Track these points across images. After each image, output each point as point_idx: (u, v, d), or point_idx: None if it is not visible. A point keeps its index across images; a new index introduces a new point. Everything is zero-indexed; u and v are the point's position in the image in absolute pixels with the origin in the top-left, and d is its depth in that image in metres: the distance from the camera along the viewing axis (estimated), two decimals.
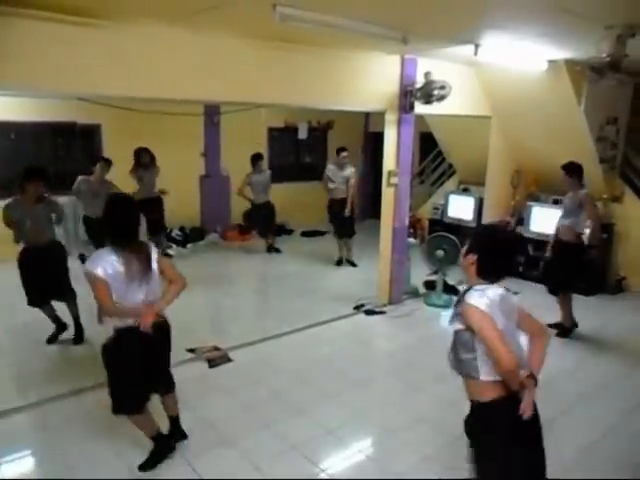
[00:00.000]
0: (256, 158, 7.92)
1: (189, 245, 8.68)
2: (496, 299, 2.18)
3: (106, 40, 3.72)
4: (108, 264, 2.76)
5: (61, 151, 8.12)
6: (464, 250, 2.34)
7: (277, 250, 8.49)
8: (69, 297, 4.84)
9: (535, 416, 2.21)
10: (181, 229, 8.81)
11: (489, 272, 2.27)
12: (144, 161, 7.30)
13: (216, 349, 4.76)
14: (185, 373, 4.32)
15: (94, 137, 8.06)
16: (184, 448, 3.33)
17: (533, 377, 2.18)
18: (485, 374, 2.16)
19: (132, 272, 2.81)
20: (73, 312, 4.88)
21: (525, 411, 2.12)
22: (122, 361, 2.95)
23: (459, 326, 2.21)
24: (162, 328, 3.03)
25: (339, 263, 7.75)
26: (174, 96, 4.25)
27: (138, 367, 2.97)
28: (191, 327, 5.27)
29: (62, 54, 3.58)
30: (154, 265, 2.92)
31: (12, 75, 3.45)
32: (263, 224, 8.22)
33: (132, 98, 4.71)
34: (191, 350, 4.67)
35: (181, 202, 8.72)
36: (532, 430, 2.23)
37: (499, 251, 2.29)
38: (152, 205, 7.40)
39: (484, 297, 2.16)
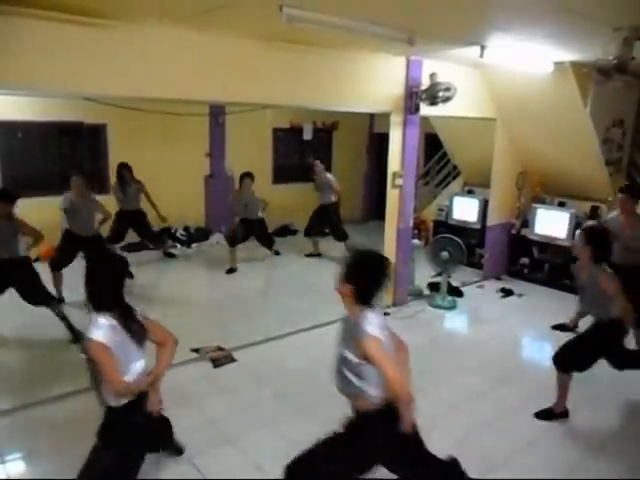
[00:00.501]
0: (244, 177, 7.43)
1: (194, 245, 8.71)
2: (383, 328, 2.33)
3: (112, 40, 3.74)
4: (108, 331, 2.41)
5: (67, 150, 8.15)
6: (338, 281, 2.38)
7: (277, 252, 8.26)
8: (49, 303, 4.84)
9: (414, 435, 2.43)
10: (186, 229, 8.83)
11: (366, 298, 2.34)
12: (125, 177, 7.08)
13: (220, 349, 4.78)
14: (189, 373, 4.35)
15: (100, 137, 8.09)
16: (187, 447, 3.33)
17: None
18: (374, 396, 2.32)
19: (129, 338, 2.49)
20: (59, 315, 4.86)
21: (407, 423, 2.30)
22: (118, 448, 2.58)
23: (352, 356, 2.29)
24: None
25: (309, 255, 8.11)
26: (180, 96, 4.26)
27: (139, 453, 2.67)
28: (195, 327, 5.28)
29: (68, 54, 3.59)
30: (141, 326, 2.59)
31: (17, 75, 3.47)
32: (244, 238, 7.64)
33: (138, 98, 4.73)
34: (195, 350, 4.68)
35: (186, 202, 8.76)
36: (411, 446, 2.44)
37: (371, 276, 2.35)
38: (135, 217, 7.22)
39: (376, 326, 2.28)
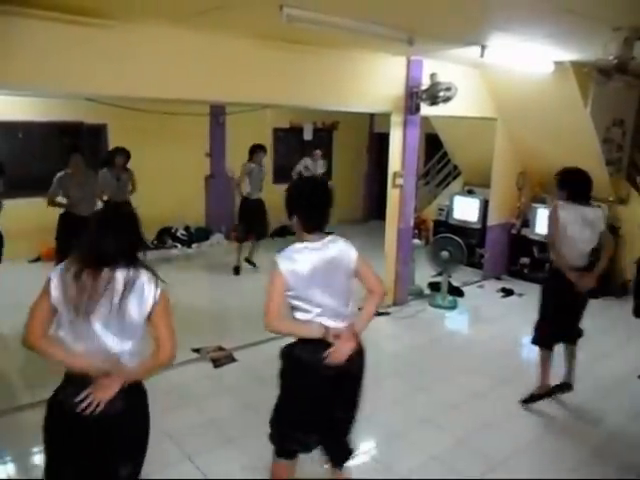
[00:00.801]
0: (256, 148, 7.10)
1: (194, 245, 8.71)
2: (307, 262, 2.30)
3: (112, 40, 3.74)
4: (63, 281, 1.95)
5: (67, 151, 8.11)
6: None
7: (253, 264, 7.40)
8: None
9: (348, 371, 2.37)
10: (186, 229, 8.83)
11: (311, 224, 2.37)
12: (119, 164, 6.56)
13: (221, 349, 4.78)
14: (190, 373, 4.35)
15: (100, 137, 8.08)
16: (188, 447, 3.34)
17: (354, 332, 2.36)
18: None
19: (78, 302, 1.93)
20: None
21: (331, 356, 2.27)
22: (52, 438, 2.03)
23: None
24: (128, 412, 2.01)
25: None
26: (180, 96, 4.27)
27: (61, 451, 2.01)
28: (196, 327, 5.29)
29: (68, 54, 3.60)
30: (132, 306, 1.98)
31: (18, 75, 3.48)
32: (256, 224, 7.25)
33: (138, 98, 4.73)
34: (196, 350, 4.68)
35: (186, 202, 8.76)
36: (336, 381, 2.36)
37: (309, 200, 2.38)
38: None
39: (291, 260, 2.30)
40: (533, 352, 5.42)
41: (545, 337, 3.91)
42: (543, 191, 7.18)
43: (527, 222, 7.08)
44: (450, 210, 8.08)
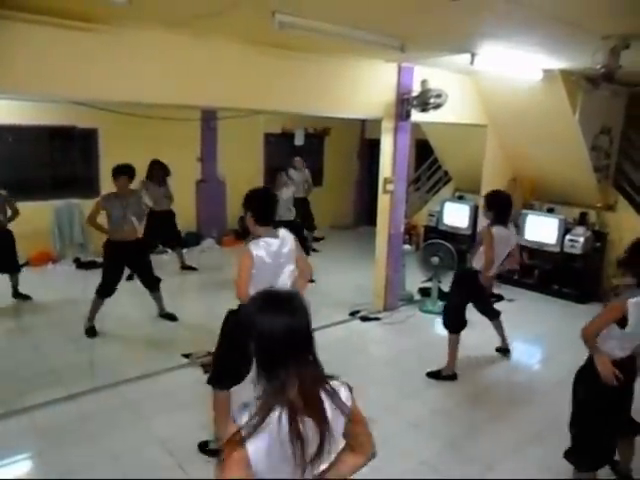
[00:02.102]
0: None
1: (184, 250, 8.65)
2: (269, 249, 3.05)
3: (105, 45, 3.73)
4: (266, 432, 1.44)
5: (58, 155, 8.08)
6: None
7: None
8: None
9: None
10: None
11: (261, 219, 3.13)
12: (157, 176, 7.00)
13: (211, 354, 4.75)
14: (180, 379, 4.34)
15: (91, 141, 8.04)
16: (179, 453, 3.33)
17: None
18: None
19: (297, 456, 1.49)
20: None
21: None
22: None
23: None
24: None
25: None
26: (172, 101, 4.26)
27: None
28: (186, 332, 5.28)
29: (61, 59, 3.59)
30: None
31: (10, 80, 3.46)
32: None
33: (129, 103, 4.71)
34: (186, 356, 4.67)
35: (177, 207, 8.67)
36: None
37: (260, 202, 3.18)
38: (165, 218, 7.17)
39: (259, 246, 3.04)
40: (524, 355, 5.49)
41: (456, 324, 4.54)
42: (533, 198, 7.25)
43: (517, 228, 7.13)
44: (440, 216, 8.13)
